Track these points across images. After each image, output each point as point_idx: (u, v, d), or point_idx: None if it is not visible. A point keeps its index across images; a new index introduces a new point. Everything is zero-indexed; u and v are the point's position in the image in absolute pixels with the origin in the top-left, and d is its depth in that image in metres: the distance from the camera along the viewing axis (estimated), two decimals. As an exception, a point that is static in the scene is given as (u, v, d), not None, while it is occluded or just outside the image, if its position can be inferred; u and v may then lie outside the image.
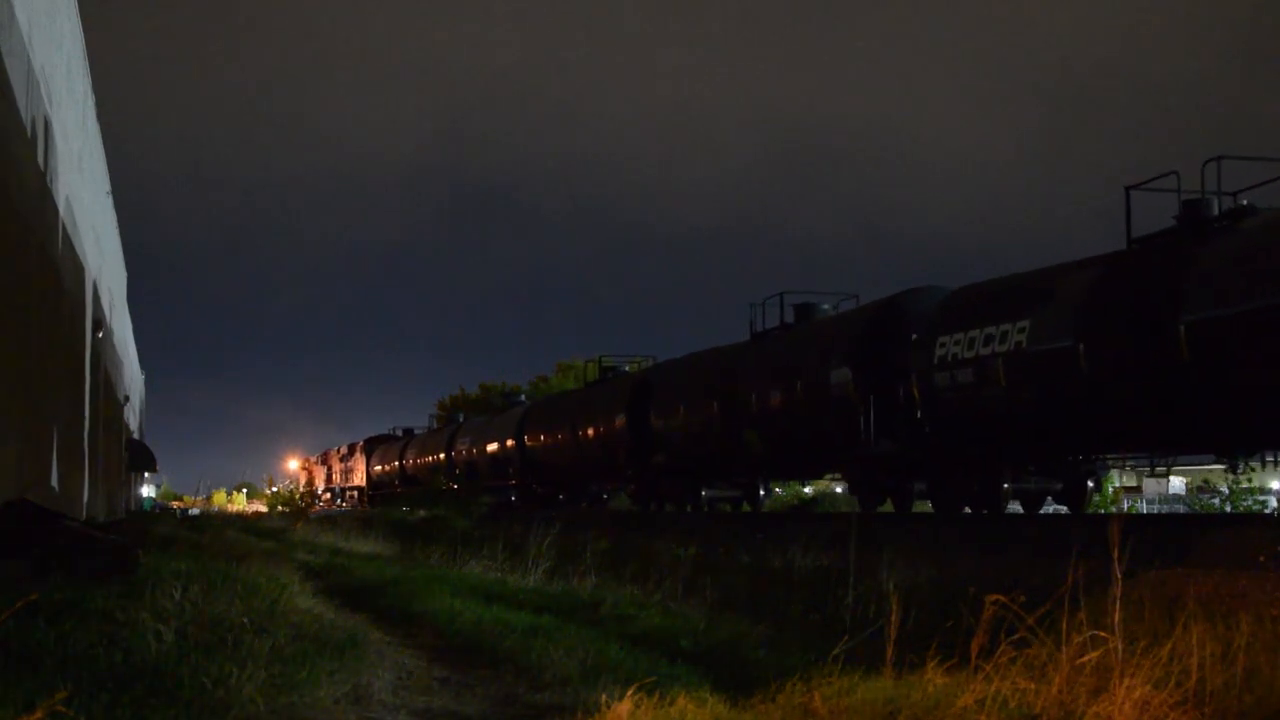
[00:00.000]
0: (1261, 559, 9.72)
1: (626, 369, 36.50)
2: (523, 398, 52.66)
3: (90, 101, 28.00)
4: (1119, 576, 6.54)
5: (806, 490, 45.20)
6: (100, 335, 30.53)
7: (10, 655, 6.92)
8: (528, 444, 39.48)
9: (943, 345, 18.76)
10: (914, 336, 20.00)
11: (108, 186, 34.96)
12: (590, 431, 33.82)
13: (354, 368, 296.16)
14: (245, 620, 8.47)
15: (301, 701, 6.99)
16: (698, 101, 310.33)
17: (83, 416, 22.44)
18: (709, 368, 27.90)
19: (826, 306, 25.43)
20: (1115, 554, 6.52)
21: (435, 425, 63.85)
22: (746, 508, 29.02)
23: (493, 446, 43.35)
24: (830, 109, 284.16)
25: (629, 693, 6.55)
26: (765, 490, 30.12)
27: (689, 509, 29.15)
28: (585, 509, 37.84)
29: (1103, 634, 6.37)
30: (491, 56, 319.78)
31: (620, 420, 31.65)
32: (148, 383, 78.70)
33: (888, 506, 23.20)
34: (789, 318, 25.87)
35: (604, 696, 6.80)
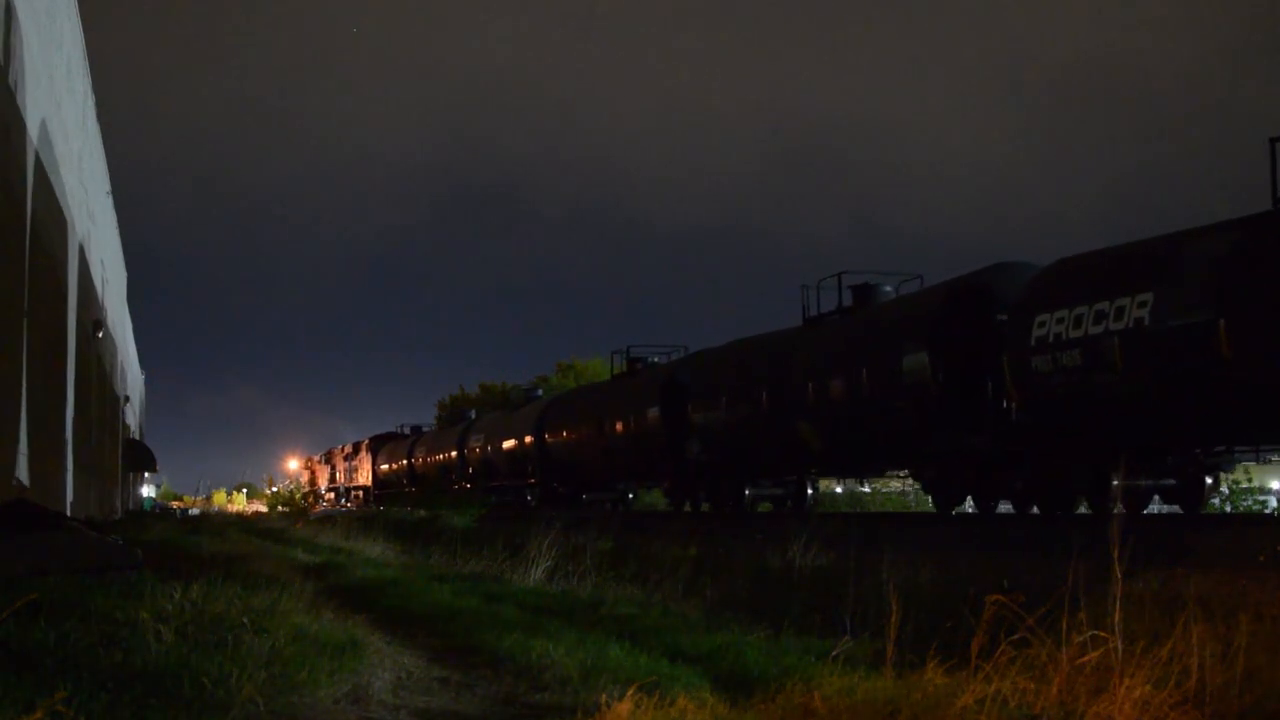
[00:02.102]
0: (1261, 559, 9.73)
1: (654, 360, 34.36)
2: (539, 393, 49.51)
3: (90, 101, 28.00)
4: (1119, 576, 6.53)
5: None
6: (100, 335, 30.46)
7: (10, 655, 6.92)
8: (548, 440, 37.60)
9: (1041, 324, 16.64)
10: (1002, 317, 17.91)
11: (108, 186, 34.96)
12: (619, 426, 31.90)
13: (354, 368, 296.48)
14: (245, 620, 8.46)
15: (301, 702, 6.99)
16: (698, 101, 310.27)
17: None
18: (756, 355, 25.55)
19: (889, 288, 23.16)
20: (1115, 554, 6.52)
21: (436, 425, 63.71)
22: (790, 507, 26.80)
23: (509, 443, 41.53)
24: (830, 109, 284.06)
25: (629, 693, 6.54)
26: (814, 489, 27.93)
27: (727, 509, 27.09)
28: (609, 509, 35.83)
29: (1103, 634, 6.37)
30: (491, 56, 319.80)
31: (653, 413, 29.74)
32: (148, 383, 78.80)
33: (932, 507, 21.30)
34: (845, 300, 23.53)
35: (604, 696, 6.79)
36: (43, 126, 16.06)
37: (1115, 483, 16.57)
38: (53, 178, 17.46)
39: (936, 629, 7.70)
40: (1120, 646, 6.24)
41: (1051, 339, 16.43)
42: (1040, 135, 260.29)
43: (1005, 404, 17.80)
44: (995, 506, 19.61)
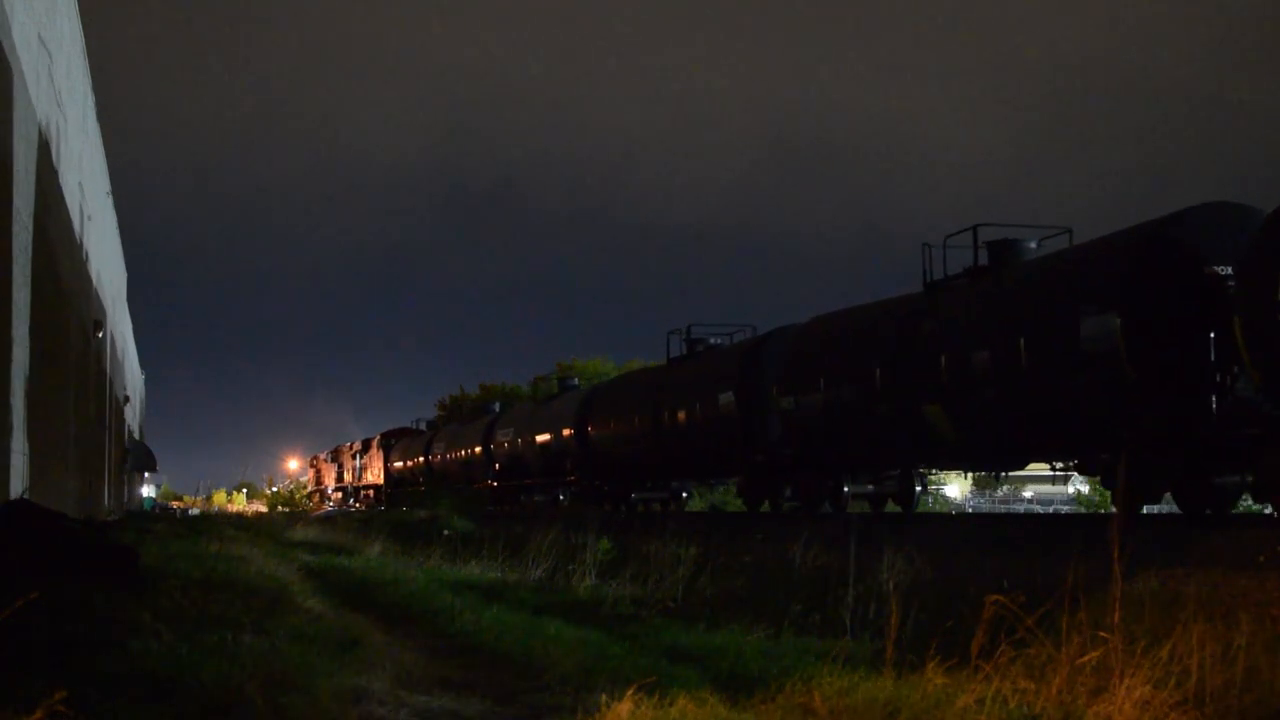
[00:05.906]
0: (1261, 559, 9.72)
1: (714, 343, 30.65)
2: (575, 381, 44.69)
3: (90, 101, 28.00)
4: (1119, 576, 6.53)
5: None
6: (100, 335, 30.47)
7: (10, 655, 6.92)
8: (592, 433, 33.75)
9: None
10: (1215, 269, 14.84)
11: (108, 187, 34.99)
12: (680, 415, 28.06)
13: (353, 368, 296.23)
14: (245, 620, 8.46)
15: (301, 701, 6.99)
16: (698, 101, 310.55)
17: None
18: (865, 328, 21.92)
19: (1032, 244, 19.77)
20: (1115, 554, 6.51)
21: (436, 425, 63.12)
22: (893, 507, 23.01)
23: (544, 437, 37.52)
24: (830, 108, 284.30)
25: (629, 693, 6.54)
26: (923, 486, 23.59)
27: (821, 510, 23.14)
28: (658, 510, 31.57)
29: (1103, 634, 6.37)
30: (491, 56, 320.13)
31: (727, 399, 25.98)
32: (148, 383, 78.78)
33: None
34: (974, 261, 19.94)
35: (604, 696, 6.79)
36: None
37: None
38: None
39: (936, 629, 7.70)
40: (1120, 646, 6.24)
41: None
42: (1040, 135, 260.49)
43: (1222, 378, 14.81)
44: (1205, 509, 15.61)
